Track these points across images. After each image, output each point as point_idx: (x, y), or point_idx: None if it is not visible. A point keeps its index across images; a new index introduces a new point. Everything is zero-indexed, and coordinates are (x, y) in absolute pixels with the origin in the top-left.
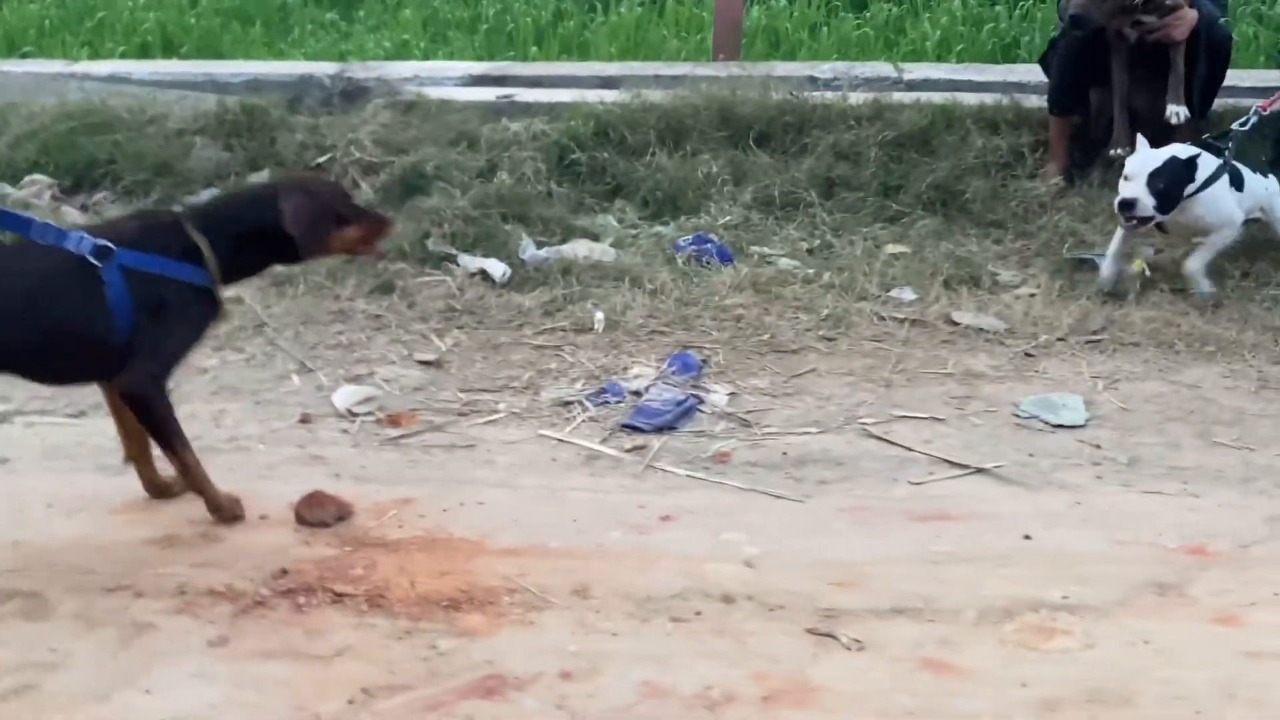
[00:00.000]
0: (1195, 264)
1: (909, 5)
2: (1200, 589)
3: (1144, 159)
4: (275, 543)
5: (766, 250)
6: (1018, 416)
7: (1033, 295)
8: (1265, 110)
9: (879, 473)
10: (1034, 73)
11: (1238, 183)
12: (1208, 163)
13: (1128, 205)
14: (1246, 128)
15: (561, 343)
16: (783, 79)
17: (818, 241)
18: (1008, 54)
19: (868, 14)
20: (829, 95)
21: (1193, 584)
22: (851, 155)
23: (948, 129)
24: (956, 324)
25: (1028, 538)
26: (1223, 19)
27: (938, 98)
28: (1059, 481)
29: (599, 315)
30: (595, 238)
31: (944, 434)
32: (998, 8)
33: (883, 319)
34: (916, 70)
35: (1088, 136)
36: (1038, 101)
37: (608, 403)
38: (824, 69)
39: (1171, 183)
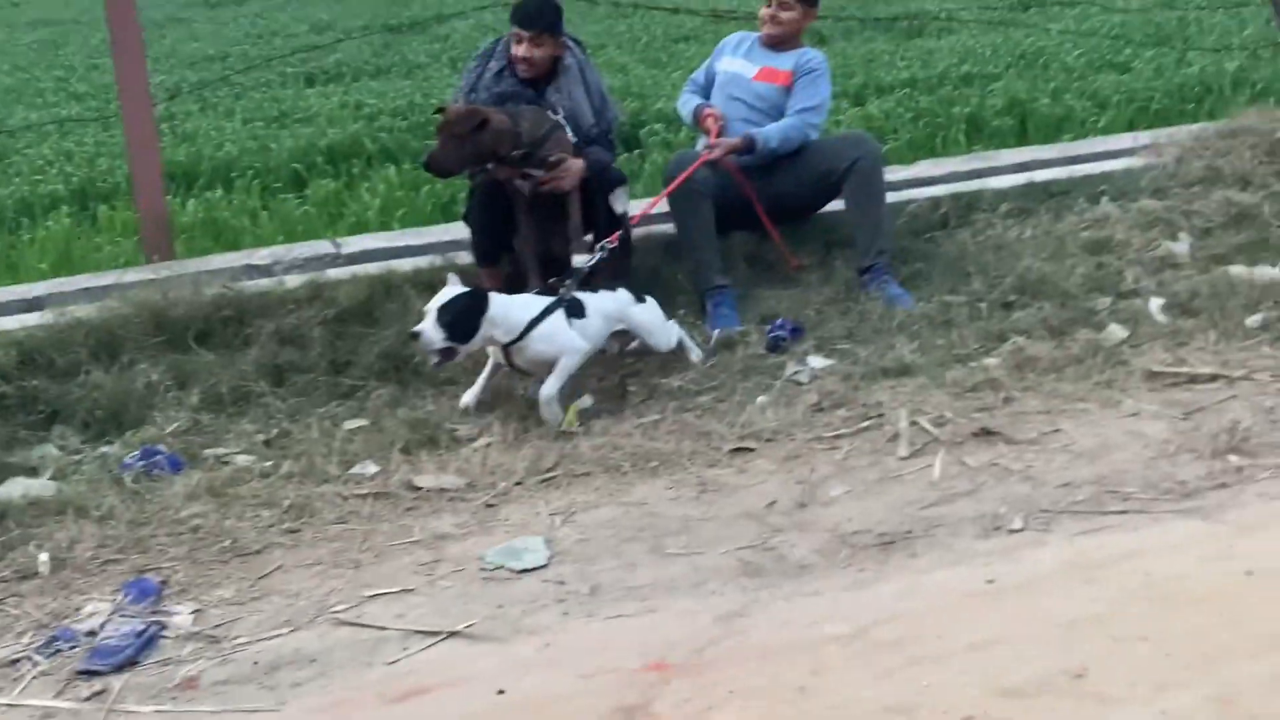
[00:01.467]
0: (547, 390)
1: (346, 179)
2: (664, 705)
3: (439, 296)
4: None
5: (221, 450)
6: (484, 570)
7: (489, 445)
8: (613, 243)
9: (353, 661)
10: (462, 230)
11: (578, 311)
12: (531, 302)
13: (414, 337)
14: (591, 264)
15: (3, 595)
16: (219, 271)
17: (274, 431)
18: (447, 213)
19: (308, 192)
20: (267, 283)
21: (656, 701)
22: (296, 339)
23: (388, 297)
24: (419, 488)
25: (501, 692)
26: (613, 161)
27: (374, 268)
28: (528, 627)
29: (43, 557)
30: (34, 471)
31: (416, 604)
32: None
33: (346, 498)
34: (355, 242)
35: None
36: (469, 258)
37: (60, 651)
38: (262, 255)
39: (458, 315)
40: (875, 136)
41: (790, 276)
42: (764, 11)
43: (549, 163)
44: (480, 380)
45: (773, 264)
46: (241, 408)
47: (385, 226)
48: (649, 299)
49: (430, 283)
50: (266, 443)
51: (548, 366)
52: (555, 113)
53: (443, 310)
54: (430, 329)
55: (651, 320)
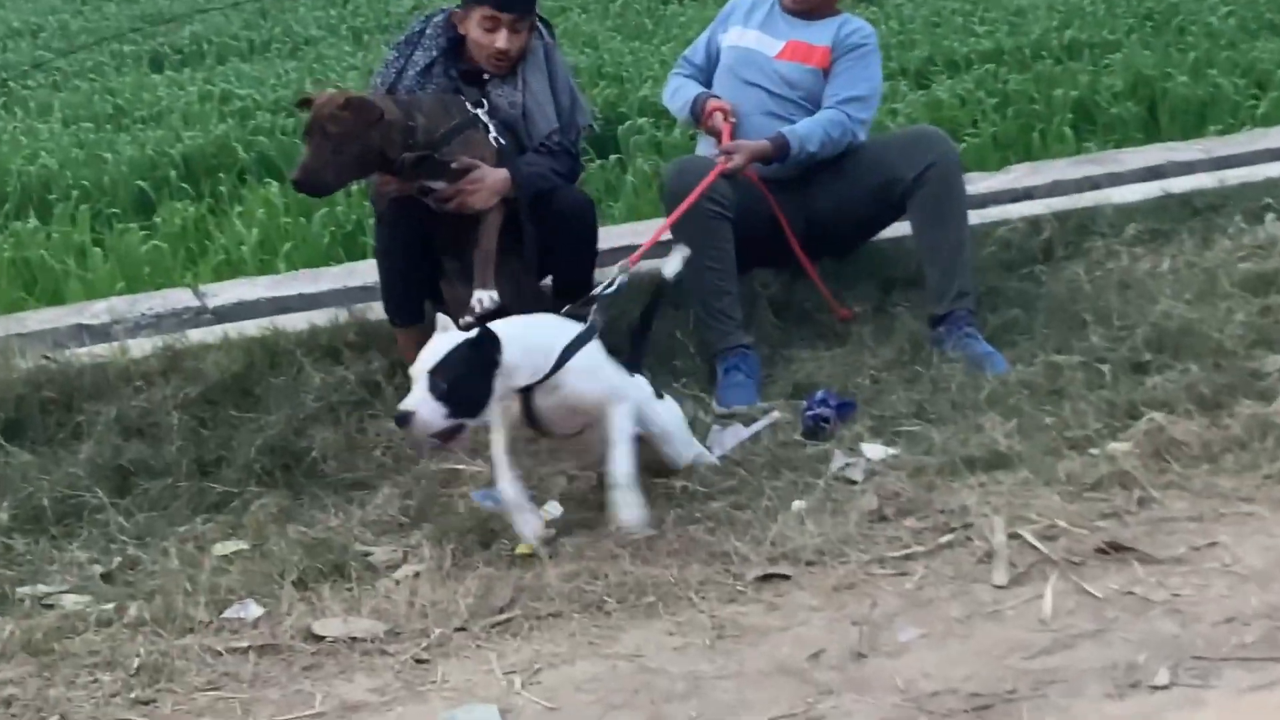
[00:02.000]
0: (620, 469)
1: (210, 201)
2: None
3: (425, 354)
4: None
5: (43, 589)
6: None
7: (418, 575)
8: (633, 266)
9: None
10: (375, 271)
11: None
12: (562, 330)
13: (403, 420)
14: (612, 290)
15: None
16: (35, 335)
17: (117, 560)
18: (350, 246)
19: (158, 219)
20: (104, 349)
21: None
22: (147, 429)
23: (274, 369)
24: (321, 638)
25: None
26: (575, 177)
27: (253, 327)
28: None
29: None
30: None
31: None
32: None
33: (219, 654)
34: (226, 291)
35: None
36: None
37: None
38: (96, 310)
39: (464, 376)
40: (948, 133)
41: (836, 330)
42: None
43: (450, 170)
44: (502, 465)
45: (810, 313)
46: (70, 527)
47: (267, 268)
48: (668, 397)
49: (331, 346)
50: (105, 576)
51: (582, 420)
52: (481, 107)
53: (439, 371)
54: (425, 404)
55: (672, 422)
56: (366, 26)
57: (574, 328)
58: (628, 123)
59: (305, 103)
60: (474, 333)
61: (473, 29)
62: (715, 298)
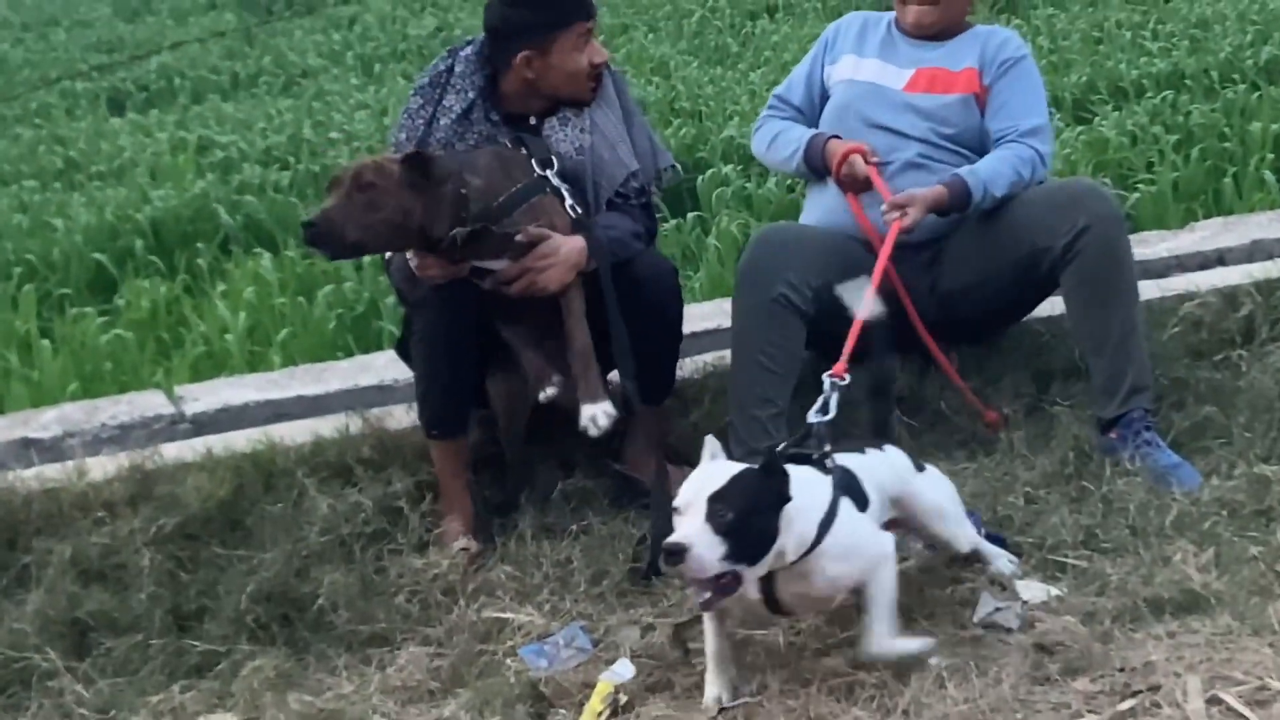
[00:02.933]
0: (878, 645)
1: (187, 279)
2: None
3: (699, 478)
4: None
5: None
6: None
7: None
8: (843, 378)
9: None
10: (396, 366)
11: (854, 491)
12: (812, 486)
13: (675, 555)
14: (829, 416)
15: None
16: None
17: None
18: (362, 332)
19: (121, 302)
20: (55, 470)
21: None
22: (110, 573)
23: (268, 493)
24: None
25: None
26: (652, 237)
27: (243, 440)
28: None
29: None
30: None
31: None
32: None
33: None
34: (207, 395)
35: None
36: (409, 418)
37: None
38: (45, 420)
39: (753, 510)
40: (1114, 180)
41: (980, 437)
42: None
43: (513, 244)
44: (713, 657)
45: (946, 415)
46: (16, 698)
47: (258, 363)
48: (928, 465)
49: (340, 463)
50: None
51: (825, 602)
52: (550, 167)
53: (722, 500)
54: (702, 540)
55: (942, 498)
56: (379, 54)
57: (815, 485)
58: (709, 171)
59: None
60: (758, 461)
61: (565, 57)
62: (757, 406)
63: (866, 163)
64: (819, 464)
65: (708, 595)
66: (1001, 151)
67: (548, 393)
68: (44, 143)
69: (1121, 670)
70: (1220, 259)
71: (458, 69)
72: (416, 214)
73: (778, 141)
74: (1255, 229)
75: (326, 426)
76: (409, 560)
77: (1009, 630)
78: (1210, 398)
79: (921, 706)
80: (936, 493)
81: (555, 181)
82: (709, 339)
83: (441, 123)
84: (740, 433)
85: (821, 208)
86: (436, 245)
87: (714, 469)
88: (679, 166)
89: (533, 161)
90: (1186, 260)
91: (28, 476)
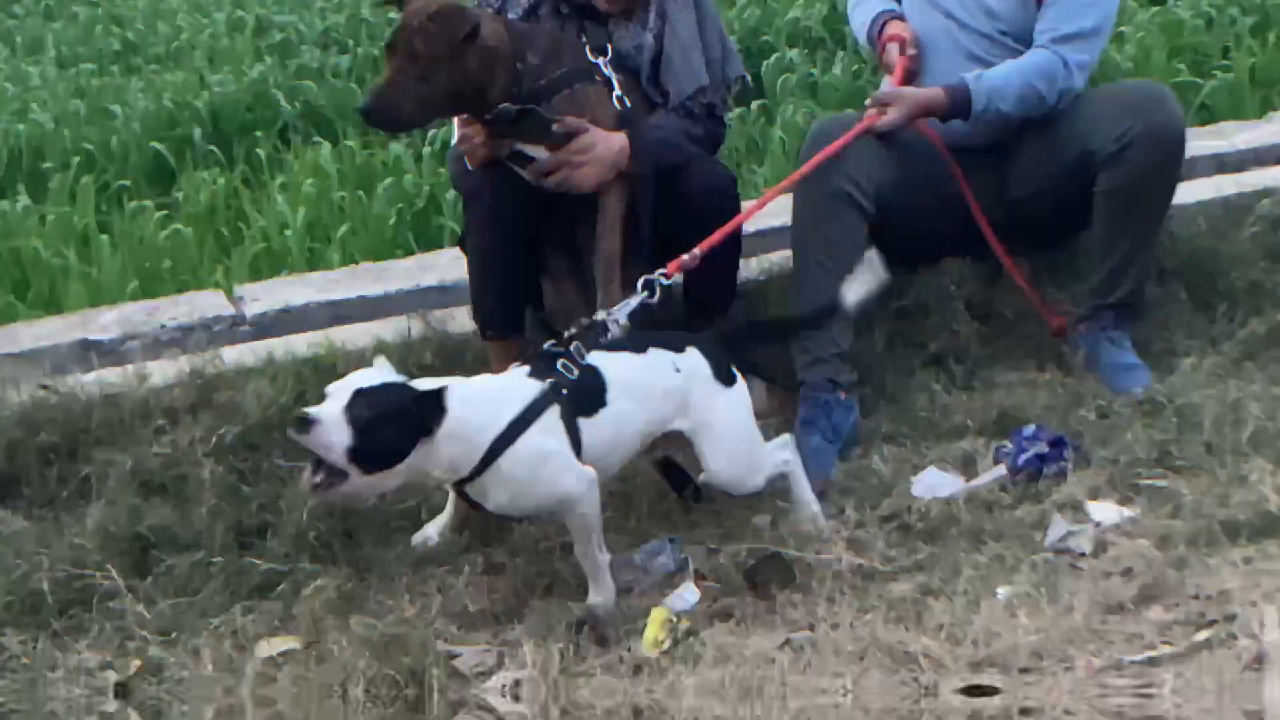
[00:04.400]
0: (589, 563)
1: (246, 169)
2: None
3: (361, 375)
4: None
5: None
6: None
7: (518, 684)
8: (670, 278)
9: None
10: (462, 262)
11: (588, 400)
12: (494, 404)
13: (305, 424)
14: (629, 309)
15: None
16: (28, 356)
17: (134, 664)
18: (423, 229)
19: (179, 194)
20: (115, 375)
21: None
22: (171, 485)
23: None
24: None
25: None
26: (716, 147)
27: (304, 344)
28: None
29: None
30: None
31: None
32: (394, 145)
33: None
34: (267, 294)
35: None
36: (470, 322)
37: None
38: (105, 321)
39: (383, 421)
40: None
41: (1052, 346)
42: None
43: (552, 132)
44: (447, 512)
45: (1015, 322)
46: (76, 617)
47: (318, 260)
48: (741, 380)
49: (403, 368)
50: (120, 687)
51: (539, 514)
52: (603, 55)
53: (365, 400)
54: (333, 421)
55: (732, 425)
56: None
57: (518, 394)
58: (774, 56)
59: (394, 1)
60: (422, 386)
61: None
62: (815, 301)
63: (901, 53)
64: (552, 364)
65: (318, 480)
66: (1023, 60)
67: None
68: (101, 22)
69: (1196, 598)
70: None
71: None
72: (472, 74)
73: (859, 9)
74: None
75: (388, 330)
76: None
77: (1081, 555)
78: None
79: (991, 636)
80: (723, 412)
81: (606, 71)
82: (776, 237)
83: (507, 14)
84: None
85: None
86: (484, 114)
87: (380, 374)
88: (749, 78)
89: (586, 48)
90: (1264, 154)
91: (88, 381)
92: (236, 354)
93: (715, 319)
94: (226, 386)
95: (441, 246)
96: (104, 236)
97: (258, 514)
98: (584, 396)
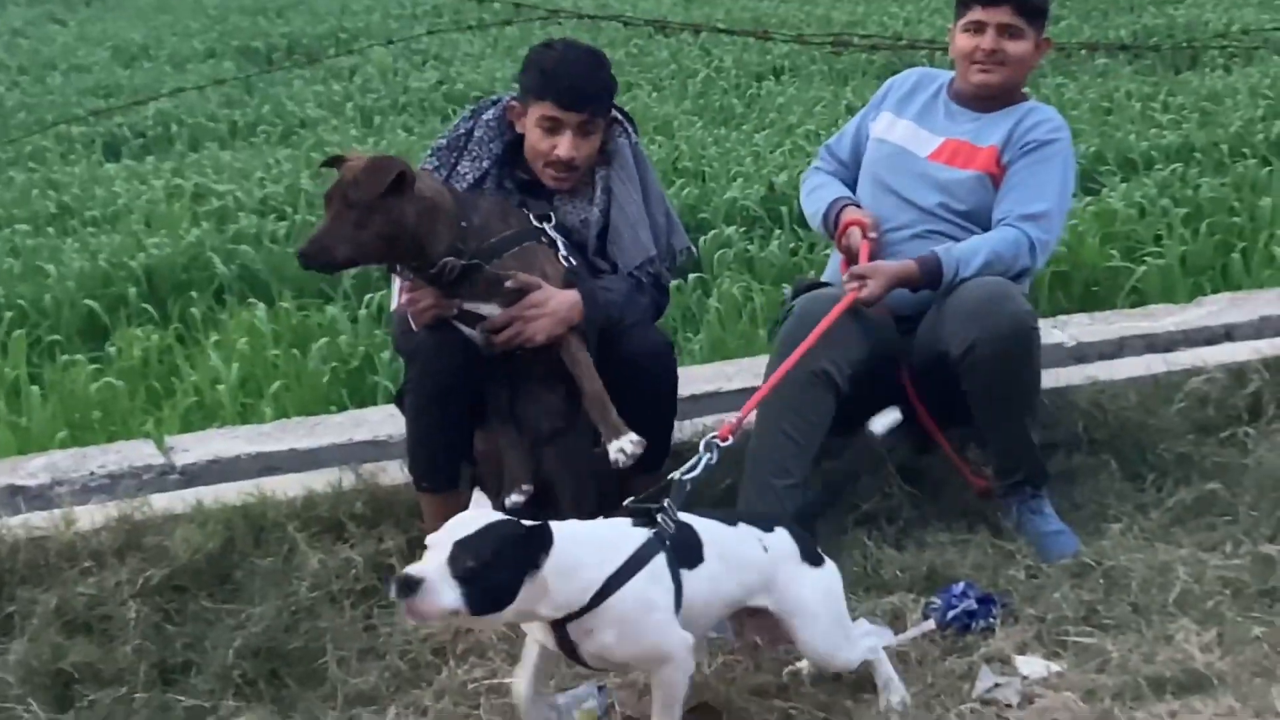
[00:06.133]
0: None
1: (180, 329)
2: None
3: (458, 521)
4: None
5: None
6: None
7: None
8: (726, 441)
9: None
10: (395, 419)
11: (690, 557)
12: (607, 544)
13: (408, 587)
14: (696, 472)
15: None
16: None
17: None
18: (357, 387)
19: (112, 349)
20: (42, 519)
21: None
22: (95, 624)
23: (258, 547)
24: None
25: None
26: (659, 314)
27: (234, 493)
28: None
29: None
30: None
31: None
32: (330, 307)
33: None
34: (198, 445)
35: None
36: (402, 474)
37: None
38: (33, 468)
39: (493, 562)
40: (1123, 252)
41: (980, 507)
42: (964, 42)
43: (504, 290)
44: (526, 669)
45: (942, 484)
46: None
47: (250, 415)
48: (829, 562)
49: (332, 519)
50: None
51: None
52: (547, 220)
53: (468, 547)
54: (436, 578)
55: (818, 601)
56: (379, 106)
57: (625, 539)
58: (711, 233)
59: (335, 161)
60: (526, 522)
61: (529, 128)
62: (776, 475)
63: (864, 237)
64: (650, 518)
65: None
66: (990, 235)
67: (513, 500)
68: (38, 187)
69: None
70: (1228, 334)
71: (476, 134)
72: (409, 224)
73: (813, 197)
74: (1264, 305)
75: (319, 481)
76: (399, 619)
77: (1008, 706)
78: (1216, 474)
79: None
80: (811, 591)
81: (551, 233)
82: (709, 401)
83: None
84: (751, 498)
85: (831, 272)
86: (429, 269)
87: (475, 516)
88: (695, 249)
89: (530, 215)
90: (1194, 335)
91: (14, 524)
92: (165, 500)
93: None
94: (154, 531)
95: (375, 404)
96: (34, 387)
97: (182, 653)
98: (684, 549)
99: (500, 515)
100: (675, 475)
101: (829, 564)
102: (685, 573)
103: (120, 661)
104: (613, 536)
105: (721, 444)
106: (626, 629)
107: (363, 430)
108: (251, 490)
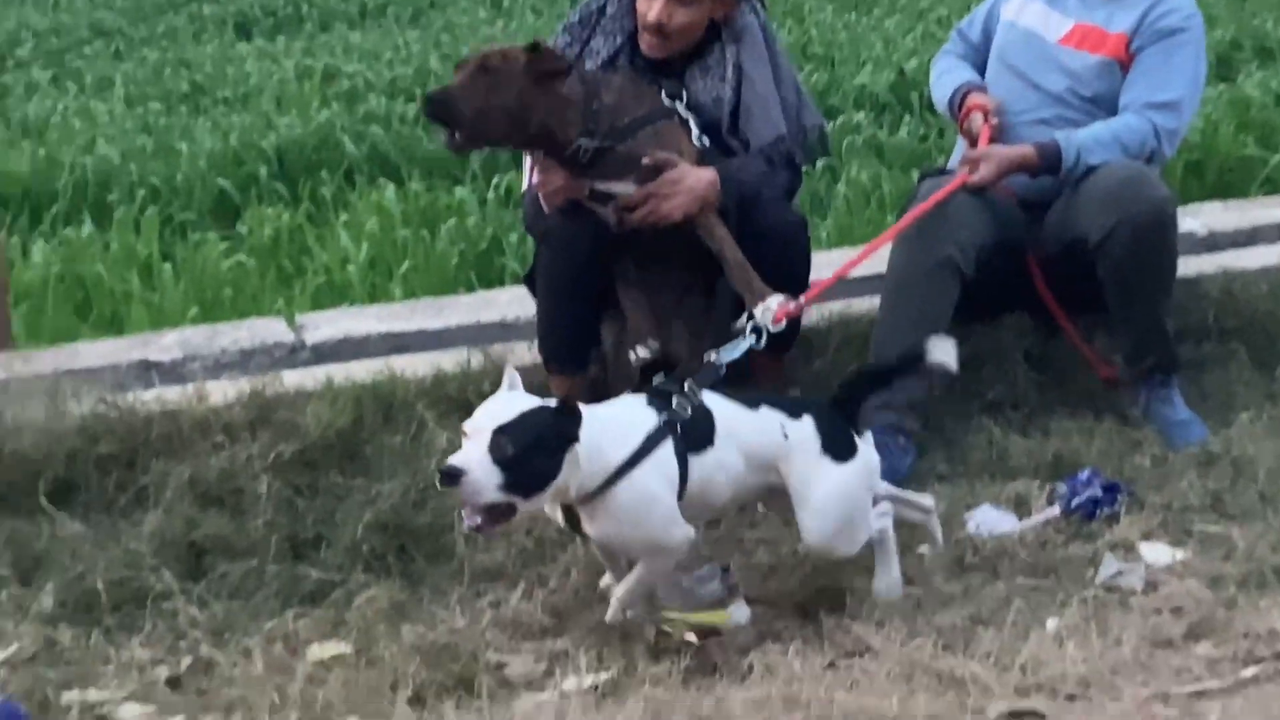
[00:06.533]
0: (620, 592)
1: (310, 207)
2: None
3: (491, 407)
4: None
5: (94, 694)
6: None
7: (565, 695)
8: (780, 322)
9: None
10: (523, 301)
11: (699, 437)
12: (624, 427)
13: (450, 478)
14: (736, 355)
15: None
16: (89, 373)
17: (186, 661)
18: (484, 269)
19: (243, 229)
20: (175, 393)
21: None
22: (227, 497)
23: (388, 425)
24: None
25: None
26: (791, 195)
27: (362, 370)
28: None
29: None
30: None
31: None
32: (459, 189)
33: None
34: (328, 324)
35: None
36: (530, 355)
37: None
38: (165, 343)
39: (532, 443)
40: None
41: (1107, 395)
42: None
43: (639, 168)
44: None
45: (1069, 371)
46: (130, 617)
47: (379, 295)
48: (862, 455)
49: (460, 396)
50: (172, 681)
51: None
52: (678, 99)
53: (504, 433)
54: (479, 465)
55: (833, 499)
56: None
57: (639, 421)
58: (840, 118)
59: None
60: (552, 401)
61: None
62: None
63: (985, 121)
64: (668, 398)
65: (479, 520)
66: (1114, 121)
67: (640, 355)
68: (170, 66)
69: (1245, 636)
70: None
71: (609, 9)
72: (538, 109)
73: (941, 81)
74: None
75: (447, 361)
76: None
77: (1132, 592)
78: None
79: (1039, 664)
80: (823, 486)
81: (684, 113)
82: (835, 287)
83: (587, 65)
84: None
85: (957, 158)
86: (562, 152)
87: (509, 400)
88: (826, 129)
89: (663, 93)
90: None
91: (148, 398)
92: (296, 377)
93: (782, 356)
94: (285, 407)
95: (502, 285)
96: (167, 265)
97: (313, 527)
98: (695, 433)
99: (529, 397)
100: (711, 355)
101: (859, 458)
102: (692, 457)
103: (251, 535)
104: (628, 418)
105: (771, 329)
106: (627, 520)
107: (491, 311)
108: (381, 368)
